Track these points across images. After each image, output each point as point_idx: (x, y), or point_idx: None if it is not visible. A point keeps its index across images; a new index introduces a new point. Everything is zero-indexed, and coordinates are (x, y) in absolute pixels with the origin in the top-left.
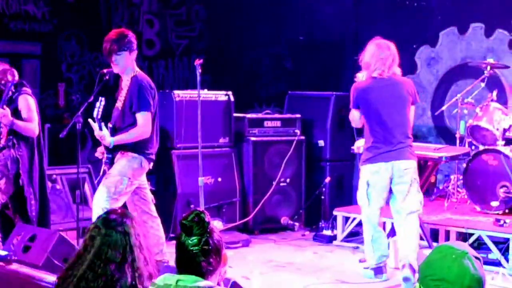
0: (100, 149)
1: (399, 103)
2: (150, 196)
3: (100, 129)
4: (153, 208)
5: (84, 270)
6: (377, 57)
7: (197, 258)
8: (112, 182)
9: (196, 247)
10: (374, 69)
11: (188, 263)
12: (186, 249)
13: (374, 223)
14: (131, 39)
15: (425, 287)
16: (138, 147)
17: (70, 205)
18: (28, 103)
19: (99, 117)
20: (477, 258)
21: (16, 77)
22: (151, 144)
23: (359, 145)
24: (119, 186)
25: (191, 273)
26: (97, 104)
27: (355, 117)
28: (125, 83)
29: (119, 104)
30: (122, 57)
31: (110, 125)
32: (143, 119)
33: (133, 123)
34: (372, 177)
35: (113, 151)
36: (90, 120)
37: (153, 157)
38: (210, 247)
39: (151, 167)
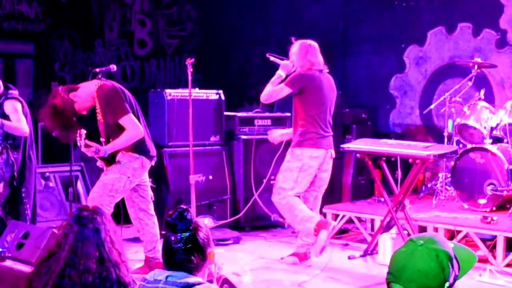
0: (100, 163)
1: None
2: (149, 194)
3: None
4: (151, 206)
5: (63, 268)
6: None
7: (179, 255)
8: (111, 179)
9: (178, 245)
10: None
11: (172, 259)
12: (169, 246)
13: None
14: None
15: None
16: (138, 148)
17: (63, 203)
18: (14, 107)
19: (83, 149)
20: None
21: (1, 88)
22: (148, 142)
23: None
24: (117, 184)
25: (176, 269)
26: (77, 138)
27: (282, 94)
28: (95, 97)
29: (99, 117)
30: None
31: (102, 139)
32: (127, 122)
33: (121, 131)
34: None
35: (112, 161)
36: (83, 150)
37: (154, 153)
38: (192, 245)
39: (153, 164)
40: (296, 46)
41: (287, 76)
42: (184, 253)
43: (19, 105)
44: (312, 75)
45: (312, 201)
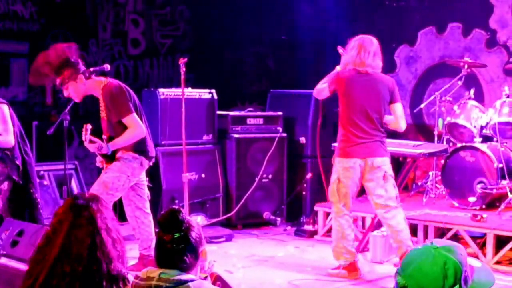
0: (99, 159)
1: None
2: (146, 193)
3: (92, 142)
4: (147, 205)
5: (57, 254)
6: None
7: (172, 255)
8: (110, 177)
9: (171, 245)
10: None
11: (165, 259)
12: (163, 246)
13: None
14: (72, 64)
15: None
16: (138, 148)
17: (57, 200)
18: (3, 114)
19: (87, 142)
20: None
21: None
22: (148, 143)
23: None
24: (116, 182)
25: (170, 268)
26: (83, 132)
27: (324, 94)
28: (100, 94)
29: (103, 115)
30: (73, 87)
31: (104, 137)
32: (130, 121)
33: (123, 130)
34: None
35: (112, 158)
36: (87, 145)
37: (153, 154)
38: (184, 245)
39: (151, 164)
40: (354, 40)
41: None
42: (177, 253)
43: (6, 110)
44: (346, 77)
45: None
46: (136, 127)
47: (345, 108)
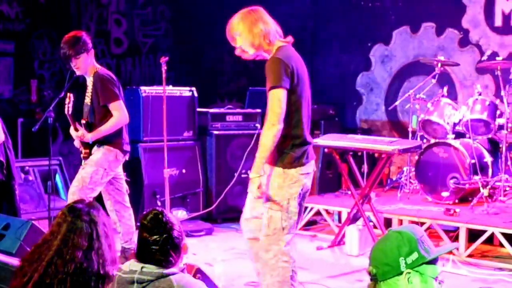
0: (77, 144)
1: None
2: (124, 187)
3: (75, 130)
4: (127, 199)
5: (52, 256)
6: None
7: (157, 255)
8: (88, 172)
9: (156, 246)
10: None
11: (149, 258)
12: (147, 246)
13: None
14: (85, 39)
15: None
16: (113, 141)
17: (42, 195)
18: None
19: (69, 113)
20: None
21: None
22: (123, 136)
23: None
24: (95, 176)
25: (154, 265)
26: (67, 100)
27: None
28: (90, 80)
29: (87, 100)
30: (81, 60)
31: (83, 121)
32: (117, 107)
33: (104, 117)
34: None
35: (91, 146)
36: (71, 131)
37: (128, 149)
38: (168, 246)
39: (127, 158)
40: None
41: None
42: (162, 254)
43: None
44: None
45: None
46: (122, 113)
47: None
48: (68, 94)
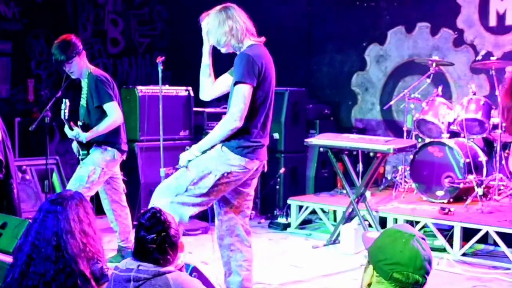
0: (75, 148)
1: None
2: (121, 186)
3: (71, 129)
4: (124, 198)
5: (29, 252)
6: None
7: (155, 254)
8: (86, 171)
9: (153, 245)
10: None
11: (146, 256)
12: (145, 245)
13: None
14: (75, 43)
15: (380, 271)
16: (110, 141)
17: (39, 194)
18: None
19: (66, 117)
20: (423, 238)
21: None
22: (121, 136)
23: None
24: (92, 175)
25: (152, 264)
26: (63, 106)
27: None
28: (84, 81)
29: (83, 101)
30: (74, 64)
31: (79, 123)
32: (111, 108)
33: (100, 118)
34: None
35: (88, 147)
36: (66, 130)
37: (125, 148)
38: (166, 245)
39: (124, 158)
40: None
41: None
42: (159, 252)
43: None
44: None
45: None
46: (116, 114)
47: None
48: (64, 100)
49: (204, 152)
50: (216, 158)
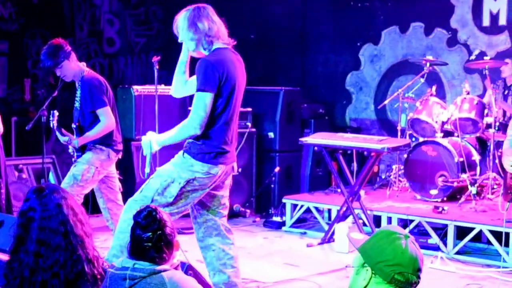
0: (71, 149)
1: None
2: (117, 185)
3: (62, 135)
4: (120, 197)
5: (36, 248)
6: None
7: (151, 252)
8: (80, 170)
9: (149, 243)
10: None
11: (142, 254)
12: (140, 243)
13: None
14: (63, 46)
15: (380, 273)
16: (105, 141)
17: None
18: None
19: (55, 127)
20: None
21: None
22: (116, 136)
23: None
24: (86, 174)
25: (148, 262)
26: (51, 117)
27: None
28: (78, 84)
29: (77, 104)
30: (65, 68)
31: (74, 125)
32: (103, 114)
33: (94, 121)
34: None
35: (83, 148)
36: (58, 135)
37: (121, 148)
38: (162, 243)
39: (120, 157)
40: None
41: None
42: (155, 250)
43: None
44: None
45: None
46: (107, 120)
47: None
48: (52, 111)
49: None
50: (179, 165)
